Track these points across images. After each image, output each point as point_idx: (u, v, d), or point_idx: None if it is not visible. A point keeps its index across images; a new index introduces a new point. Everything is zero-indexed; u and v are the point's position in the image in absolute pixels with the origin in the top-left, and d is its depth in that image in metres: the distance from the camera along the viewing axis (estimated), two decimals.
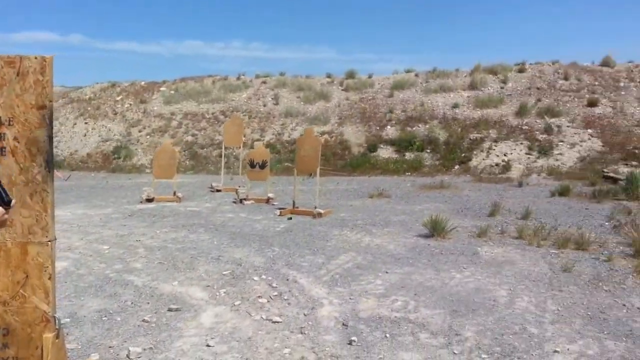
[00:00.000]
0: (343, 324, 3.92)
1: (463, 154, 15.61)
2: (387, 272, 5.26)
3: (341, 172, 15.33)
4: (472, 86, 19.58)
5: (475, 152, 15.54)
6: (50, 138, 2.44)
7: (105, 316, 4.06)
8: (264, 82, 22.54)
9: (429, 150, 16.29)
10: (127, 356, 3.36)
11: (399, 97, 19.80)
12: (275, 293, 4.62)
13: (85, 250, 6.09)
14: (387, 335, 3.72)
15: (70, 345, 3.50)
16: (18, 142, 2.43)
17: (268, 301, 4.42)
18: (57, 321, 2.52)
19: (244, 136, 18.02)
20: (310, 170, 8.98)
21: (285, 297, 4.52)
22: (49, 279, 2.47)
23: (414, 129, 17.51)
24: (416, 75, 21.51)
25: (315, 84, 22.12)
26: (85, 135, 20.36)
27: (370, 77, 22.35)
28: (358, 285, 4.88)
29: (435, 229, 6.72)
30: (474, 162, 15.09)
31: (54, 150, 16.02)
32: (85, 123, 21.16)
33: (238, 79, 23.49)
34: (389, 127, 18.15)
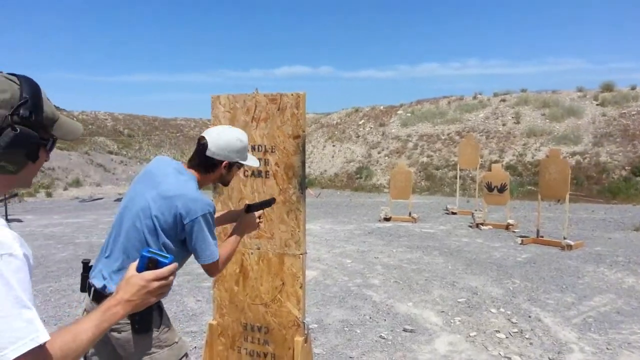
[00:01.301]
0: None
1: None
2: None
3: (597, 199, 13.40)
4: None
5: None
6: (303, 164, 2.77)
7: (347, 327, 4.39)
8: (503, 100, 21.41)
9: None
10: None
11: None
12: (516, 330, 4.29)
13: (331, 262, 6.71)
14: None
15: (316, 349, 3.89)
16: (278, 166, 2.83)
17: (507, 337, 4.13)
18: (305, 327, 2.81)
19: (481, 157, 17.39)
20: (558, 195, 8.11)
21: (527, 336, 4.15)
22: (300, 287, 2.80)
23: None
24: None
25: (563, 99, 20.01)
26: (332, 156, 22.57)
27: (633, 88, 19.13)
28: (618, 334, 4.17)
29: None
30: None
31: (307, 169, 18.09)
32: (333, 146, 23.48)
33: (474, 98, 22.88)
34: None
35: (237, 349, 3.07)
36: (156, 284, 1.14)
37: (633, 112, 17.64)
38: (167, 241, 1.98)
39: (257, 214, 2.36)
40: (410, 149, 20.41)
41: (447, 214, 11.33)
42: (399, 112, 24.29)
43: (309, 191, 16.36)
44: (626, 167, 15.07)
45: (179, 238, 2.01)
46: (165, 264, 1.15)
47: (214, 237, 2.03)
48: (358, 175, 19.92)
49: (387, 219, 10.28)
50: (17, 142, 1.04)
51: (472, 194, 13.94)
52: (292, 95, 2.80)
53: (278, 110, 2.81)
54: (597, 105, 19.01)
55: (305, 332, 2.90)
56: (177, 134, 29.99)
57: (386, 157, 20.52)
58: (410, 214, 10.41)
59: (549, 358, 3.74)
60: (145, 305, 1.16)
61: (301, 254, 2.88)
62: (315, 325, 4.40)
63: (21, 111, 1.05)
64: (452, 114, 21.71)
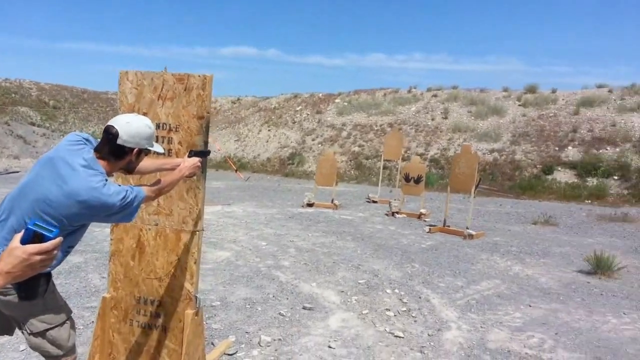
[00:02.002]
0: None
1: None
2: (530, 306, 4.91)
3: (507, 194, 14.42)
4: None
5: None
6: (206, 144, 2.88)
7: (249, 304, 4.59)
8: (435, 96, 22.33)
9: (616, 177, 14.35)
10: (259, 343, 3.78)
11: (586, 115, 17.84)
12: (404, 309, 4.67)
13: (246, 244, 6.89)
14: None
15: (215, 325, 4.07)
16: (181, 145, 2.93)
17: (395, 315, 4.50)
18: (197, 301, 2.97)
19: (408, 150, 18.12)
20: (465, 188, 8.71)
21: (413, 315, 4.54)
22: (195, 263, 2.95)
23: (601, 151, 15.60)
24: (610, 91, 19.11)
25: (489, 98, 21.16)
26: (267, 141, 22.62)
27: (554, 92, 20.55)
28: (494, 314, 4.66)
29: (599, 266, 5.99)
30: None
31: (241, 153, 18.06)
32: (269, 130, 23.51)
33: (409, 91, 23.68)
34: (570, 148, 16.48)
35: (129, 321, 3.18)
36: (38, 257, 1.13)
37: (550, 114, 18.98)
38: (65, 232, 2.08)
39: (196, 158, 2.56)
40: (344, 138, 20.86)
41: (369, 202, 11.80)
42: (336, 100, 24.67)
43: (238, 174, 16.37)
44: (538, 166, 16.26)
45: (80, 225, 2.13)
46: (50, 239, 1.15)
47: (130, 205, 2.12)
48: (290, 161, 20.13)
49: (310, 205, 10.57)
50: None
51: (396, 184, 14.55)
52: (199, 76, 2.90)
53: (185, 90, 2.90)
54: (519, 105, 20.26)
55: (197, 305, 3.06)
56: (107, 109, 28.78)
57: (320, 145, 20.85)
58: (332, 200, 10.76)
59: (428, 334, 4.13)
60: (24, 277, 1.16)
61: (198, 231, 3.02)
62: (218, 303, 4.57)
63: None
64: (387, 106, 22.36)
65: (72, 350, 2.31)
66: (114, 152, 2.17)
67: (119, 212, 2.09)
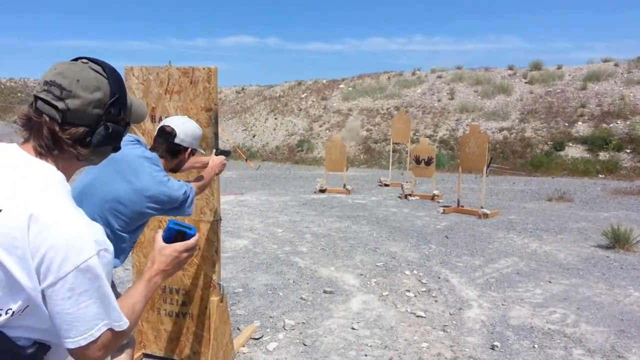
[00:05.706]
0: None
1: None
2: (550, 282, 4.91)
3: (519, 172, 14.33)
4: None
5: None
6: (216, 135, 2.90)
7: (271, 290, 4.63)
8: (440, 77, 22.11)
9: (628, 150, 14.20)
10: (283, 327, 3.82)
11: (593, 89, 17.60)
12: (424, 289, 4.69)
13: (263, 232, 6.92)
14: (536, 346, 3.53)
15: (239, 311, 4.12)
16: None
17: (415, 296, 4.53)
18: (221, 288, 3.02)
19: (417, 132, 18.03)
20: (477, 168, 8.66)
21: (434, 295, 4.56)
22: (216, 252, 2.98)
23: (611, 125, 15.42)
24: (616, 64, 18.82)
25: (495, 76, 20.93)
26: (275, 129, 22.58)
27: (559, 67, 20.27)
28: (514, 292, 4.67)
29: (618, 240, 5.96)
30: None
31: (250, 142, 18.04)
32: (275, 118, 23.46)
33: (413, 74, 23.46)
34: (579, 123, 16.30)
35: (156, 310, 3.23)
36: (186, 254, 1.21)
37: (558, 90, 18.75)
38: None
39: (222, 157, 2.66)
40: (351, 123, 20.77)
41: (380, 185, 11.79)
42: (340, 86, 24.53)
43: (249, 164, 16.41)
44: (548, 142, 16.12)
45: (147, 220, 2.24)
46: (192, 235, 1.21)
47: (188, 199, 2.23)
48: (299, 148, 20.11)
49: (322, 191, 10.58)
50: (109, 140, 1.10)
51: (406, 167, 14.50)
52: (203, 69, 2.91)
53: (190, 83, 2.92)
54: (525, 83, 20.02)
55: (221, 292, 3.10)
56: None
57: (327, 131, 20.79)
58: (344, 185, 10.76)
59: (449, 313, 4.15)
60: (173, 274, 1.24)
61: (216, 221, 3.05)
62: (240, 290, 4.61)
63: (112, 110, 1.09)
64: (392, 89, 22.19)
65: (133, 339, 2.39)
66: (170, 150, 2.26)
67: (180, 207, 2.19)
